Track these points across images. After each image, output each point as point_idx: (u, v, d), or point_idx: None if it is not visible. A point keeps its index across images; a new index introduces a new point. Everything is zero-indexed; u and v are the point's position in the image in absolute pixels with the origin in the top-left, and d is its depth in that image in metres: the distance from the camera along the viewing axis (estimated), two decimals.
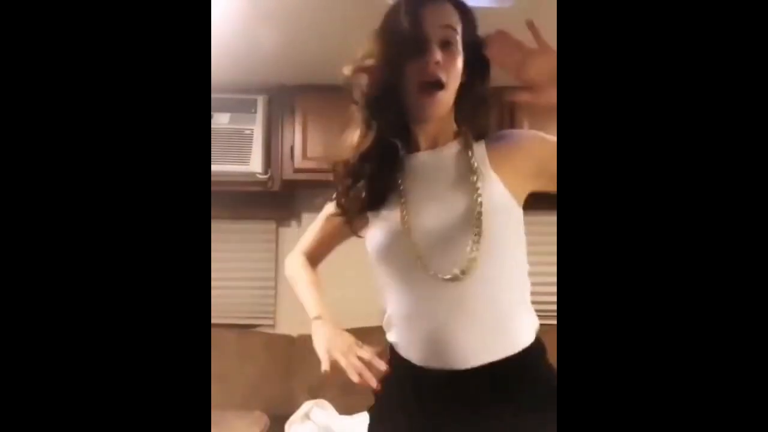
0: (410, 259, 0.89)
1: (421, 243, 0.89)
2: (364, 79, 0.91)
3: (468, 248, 0.86)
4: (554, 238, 0.72)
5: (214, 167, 2.31)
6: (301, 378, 2.44)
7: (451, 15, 0.90)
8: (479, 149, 0.94)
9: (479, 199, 0.88)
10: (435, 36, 0.88)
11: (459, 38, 0.90)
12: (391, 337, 0.97)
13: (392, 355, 0.95)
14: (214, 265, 0.73)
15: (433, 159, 0.95)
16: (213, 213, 0.73)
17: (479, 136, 0.96)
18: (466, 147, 0.94)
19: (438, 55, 0.86)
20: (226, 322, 2.62)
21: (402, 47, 0.87)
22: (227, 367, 2.42)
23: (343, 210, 0.98)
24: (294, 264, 1.14)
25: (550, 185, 0.83)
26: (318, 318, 1.03)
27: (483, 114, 0.98)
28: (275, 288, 2.75)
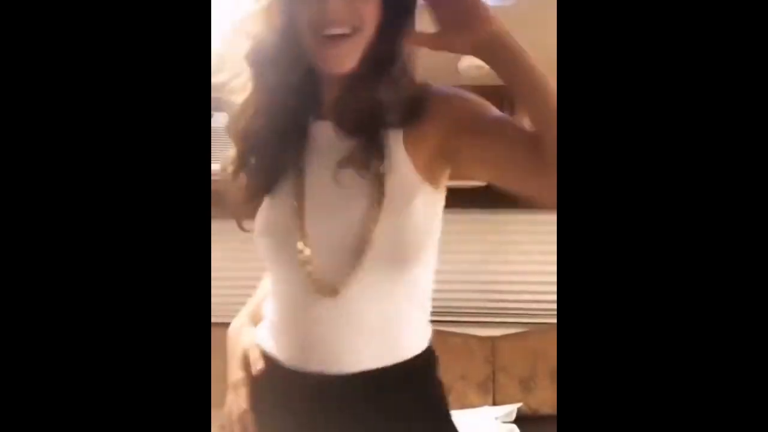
0: (296, 262, 0.79)
1: (312, 243, 0.78)
2: (254, 27, 0.78)
3: (360, 255, 0.76)
4: (554, 238, 0.71)
5: (214, 167, 2.31)
6: None
7: None
8: (394, 137, 0.79)
9: (382, 192, 0.76)
10: None
11: None
12: (262, 333, 0.90)
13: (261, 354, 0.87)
14: (214, 265, 0.73)
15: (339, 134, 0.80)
16: (213, 213, 0.73)
17: (394, 105, 0.79)
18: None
19: (335, 1, 0.71)
20: (226, 322, 2.62)
21: None
22: (227, 367, 2.43)
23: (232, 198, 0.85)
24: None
25: (470, 146, 0.76)
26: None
27: (396, 77, 0.79)
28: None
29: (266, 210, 0.85)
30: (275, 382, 0.85)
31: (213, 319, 0.68)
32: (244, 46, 0.79)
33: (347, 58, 0.75)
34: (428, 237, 0.82)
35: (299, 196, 0.81)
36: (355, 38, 0.75)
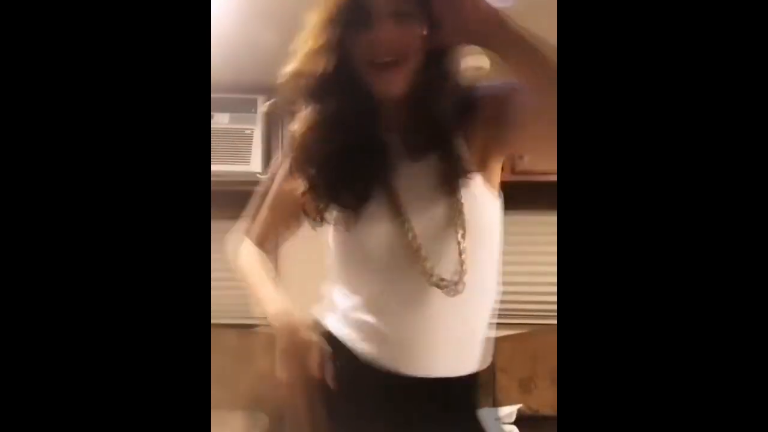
0: (407, 262, 0.84)
1: (418, 244, 0.84)
2: (305, 73, 0.84)
3: (457, 255, 0.83)
4: (554, 238, 0.71)
5: (214, 167, 2.32)
6: None
7: None
8: (457, 145, 0.86)
9: (461, 200, 0.84)
10: (383, 8, 0.79)
11: (416, 8, 0.80)
12: (339, 325, 0.93)
13: (332, 344, 0.91)
14: (214, 265, 0.73)
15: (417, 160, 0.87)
16: (213, 213, 0.73)
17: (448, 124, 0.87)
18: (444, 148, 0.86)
19: (385, 31, 0.79)
20: (226, 322, 2.62)
21: (347, 23, 0.80)
22: (227, 367, 2.42)
23: (311, 189, 0.88)
24: (244, 254, 1.03)
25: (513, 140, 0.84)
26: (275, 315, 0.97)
27: (442, 98, 0.86)
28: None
29: (363, 224, 0.88)
30: (344, 375, 0.88)
31: (213, 320, 0.68)
32: (300, 84, 0.86)
33: (397, 83, 0.82)
34: (499, 225, 0.89)
35: (395, 204, 0.86)
36: (402, 66, 0.82)
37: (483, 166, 0.88)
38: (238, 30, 1.95)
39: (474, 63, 2.23)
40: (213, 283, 0.72)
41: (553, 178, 0.64)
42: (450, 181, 0.84)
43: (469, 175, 0.85)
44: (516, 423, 2.38)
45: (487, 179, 0.88)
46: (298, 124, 0.89)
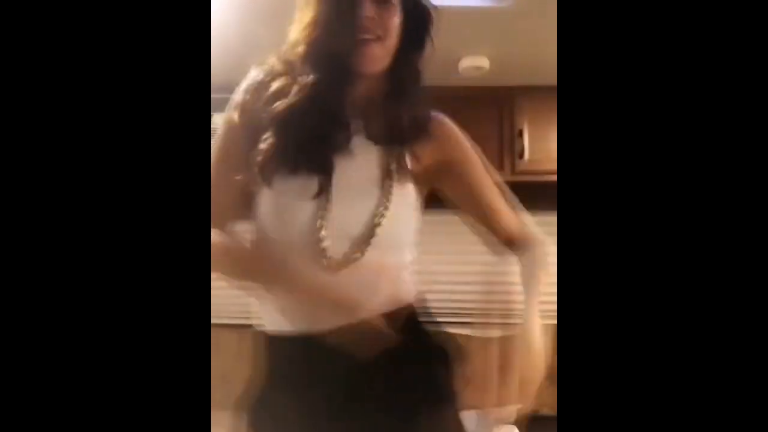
0: (314, 249, 0.89)
1: (329, 227, 0.89)
2: (302, 47, 0.92)
3: (364, 246, 0.89)
4: (554, 238, 0.72)
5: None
6: None
7: None
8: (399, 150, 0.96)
9: (386, 205, 0.91)
10: None
11: None
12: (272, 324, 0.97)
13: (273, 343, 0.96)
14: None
15: (362, 149, 0.94)
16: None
17: (405, 125, 0.96)
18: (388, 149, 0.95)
19: (369, 10, 0.88)
20: (226, 322, 2.62)
21: (333, 4, 0.89)
22: (227, 367, 2.42)
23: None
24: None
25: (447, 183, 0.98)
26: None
27: (411, 90, 0.97)
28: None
29: (288, 191, 0.92)
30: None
31: (213, 320, 0.68)
32: (299, 51, 0.93)
33: (376, 59, 0.91)
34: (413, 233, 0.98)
35: (326, 185, 0.91)
36: (382, 44, 0.91)
37: (421, 181, 0.97)
38: (238, 30, 1.95)
39: (473, 63, 2.23)
40: (213, 283, 0.72)
41: (553, 178, 0.64)
42: (385, 179, 0.93)
43: (403, 183, 0.93)
44: (516, 423, 2.37)
45: (420, 193, 0.97)
46: (280, 87, 0.94)
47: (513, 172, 2.25)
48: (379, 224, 0.90)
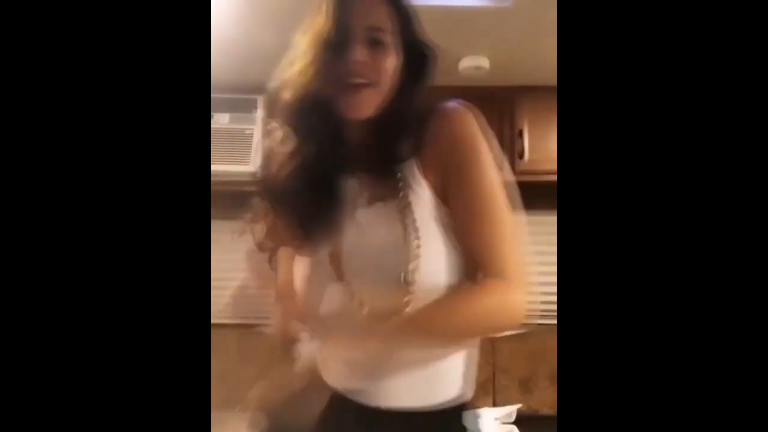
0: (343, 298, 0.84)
1: (353, 281, 0.84)
2: (288, 91, 0.88)
3: (402, 281, 0.81)
4: (554, 238, 0.71)
5: (214, 167, 2.31)
6: None
7: (380, 15, 0.86)
8: (409, 167, 0.87)
9: (414, 224, 0.83)
10: (359, 35, 0.84)
11: (392, 38, 0.86)
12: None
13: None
14: (214, 265, 0.73)
15: (370, 187, 0.87)
16: (213, 213, 0.73)
17: (412, 151, 0.87)
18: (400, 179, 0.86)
19: (360, 54, 0.83)
20: (226, 322, 2.62)
21: (324, 48, 0.84)
22: (227, 367, 2.43)
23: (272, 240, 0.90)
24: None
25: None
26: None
27: (415, 124, 0.88)
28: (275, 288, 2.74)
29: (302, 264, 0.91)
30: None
31: (213, 320, 0.68)
32: (283, 100, 0.88)
33: (365, 105, 0.85)
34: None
35: (336, 243, 0.87)
36: (374, 89, 0.85)
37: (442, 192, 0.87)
38: (238, 30, 1.95)
39: (473, 63, 2.23)
40: (213, 283, 0.72)
41: (553, 178, 0.64)
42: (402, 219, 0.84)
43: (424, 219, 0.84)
44: (516, 423, 2.38)
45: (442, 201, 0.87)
46: (272, 143, 0.91)
47: (513, 172, 2.26)
48: (415, 270, 0.81)
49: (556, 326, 0.62)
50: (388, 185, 0.86)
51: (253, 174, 0.94)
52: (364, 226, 0.86)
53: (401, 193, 0.85)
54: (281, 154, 0.89)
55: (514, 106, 2.53)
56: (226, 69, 2.05)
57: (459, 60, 2.25)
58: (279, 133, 0.90)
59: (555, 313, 0.67)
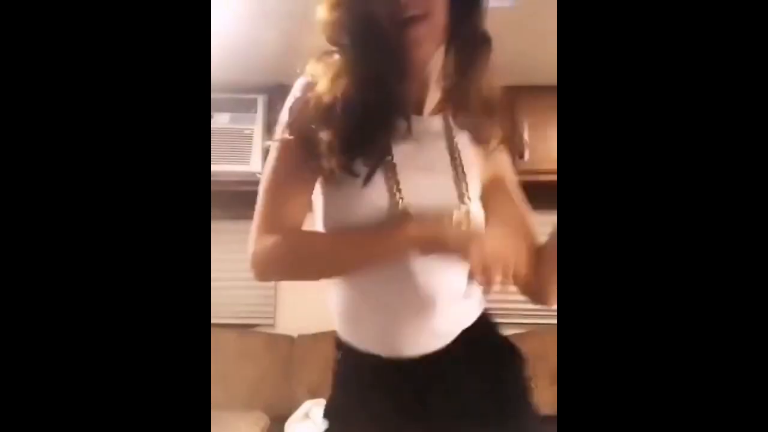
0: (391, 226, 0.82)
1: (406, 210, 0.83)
2: (340, 18, 0.83)
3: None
4: (554, 239, 0.72)
5: (214, 167, 2.32)
6: (301, 378, 2.44)
7: None
8: (462, 137, 0.91)
9: (465, 190, 0.87)
10: None
11: None
12: (346, 334, 0.91)
13: (346, 354, 0.91)
14: (214, 265, 0.73)
15: (422, 132, 0.87)
16: (213, 213, 0.73)
17: (469, 103, 0.89)
18: (448, 130, 0.90)
19: None
20: (226, 322, 2.62)
21: None
22: (227, 367, 2.43)
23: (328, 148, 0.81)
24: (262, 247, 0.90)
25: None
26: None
27: (477, 70, 0.88)
28: (275, 288, 2.75)
29: (356, 193, 0.85)
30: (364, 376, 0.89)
31: (213, 320, 0.68)
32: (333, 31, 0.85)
33: (423, 41, 0.81)
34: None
35: (392, 178, 0.85)
36: (429, 21, 0.80)
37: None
38: (238, 30, 1.95)
39: None
40: (213, 283, 0.72)
41: (553, 178, 0.64)
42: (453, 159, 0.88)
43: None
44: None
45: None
46: (324, 76, 0.85)
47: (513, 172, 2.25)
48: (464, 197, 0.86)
49: (556, 326, 0.62)
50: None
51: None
52: (417, 138, 0.86)
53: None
54: (337, 79, 0.84)
55: (514, 106, 2.53)
56: (226, 69, 2.05)
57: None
58: (342, 60, 0.85)
59: (555, 313, 0.67)
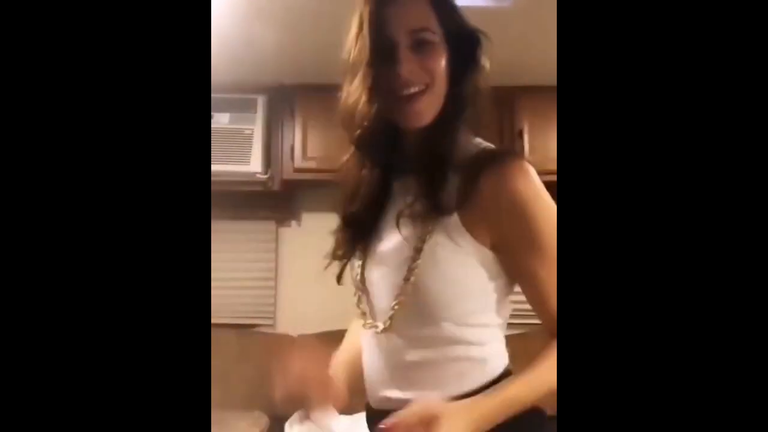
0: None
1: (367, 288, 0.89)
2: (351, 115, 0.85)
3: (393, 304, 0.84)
4: None
5: (214, 167, 2.32)
6: None
7: (421, 14, 0.81)
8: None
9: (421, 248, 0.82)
10: (404, 41, 0.80)
11: (438, 35, 0.82)
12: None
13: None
14: (214, 265, 0.73)
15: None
16: (213, 213, 0.73)
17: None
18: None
19: (408, 62, 0.79)
20: (226, 322, 2.62)
21: (371, 64, 0.81)
22: (227, 367, 2.43)
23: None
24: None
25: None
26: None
27: (474, 115, 0.87)
28: (275, 288, 2.75)
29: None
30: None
31: (213, 320, 0.68)
32: (353, 132, 0.87)
33: (424, 112, 0.82)
34: (468, 294, 0.83)
35: (367, 248, 0.90)
36: (429, 93, 0.82)
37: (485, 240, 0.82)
38: (238, 30, 1.95)
39: None
40: (213, 283, 0.72)
41: (553, 178, 0.64)
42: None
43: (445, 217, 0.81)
44: None
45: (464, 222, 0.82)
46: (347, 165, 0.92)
47: None
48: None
49: (556, 326, 0.62)
50: (428, 199, 0.82)
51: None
52: (391, 237, 0.86)
53: (435, 220, 0.81)
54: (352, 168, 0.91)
55: (514, 106, 2.53)
56: (226, 69, 2.05)
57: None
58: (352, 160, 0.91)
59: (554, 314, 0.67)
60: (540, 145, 2.48)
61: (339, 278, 0.95)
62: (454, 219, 0.80)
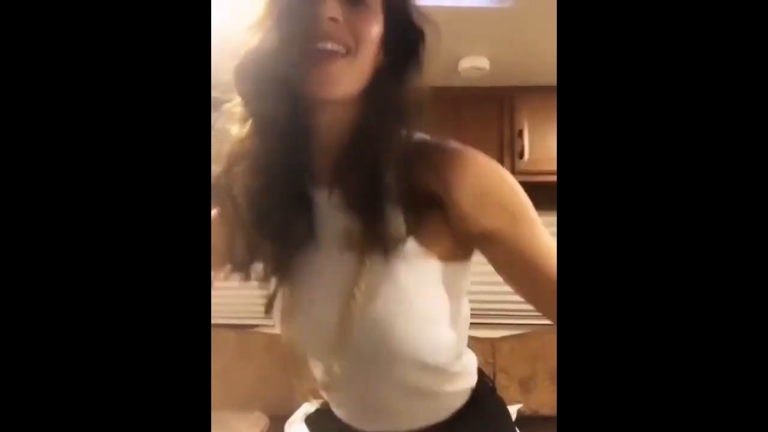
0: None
1: (298, 326, 0.82)
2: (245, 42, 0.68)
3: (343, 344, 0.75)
4: (554, 239, 0.72)
5: (214, 167, 2.31)
6: (301, 378, 2.44)
7: None
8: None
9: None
10: None
11: (377, 4, 0.67)
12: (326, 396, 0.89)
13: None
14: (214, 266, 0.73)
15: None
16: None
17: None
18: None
19: (333, 9, 0.64)
20: (226, 322, 2.62)
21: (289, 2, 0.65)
22: (227, 367, 2.43)
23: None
24: None
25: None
26: None
27: (402, 119, 0.68)
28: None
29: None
30: None
31: (213, 320, 0.68)
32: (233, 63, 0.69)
33: (337, 79, 0.65)
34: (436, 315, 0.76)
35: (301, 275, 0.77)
36: (348, 60, 0.66)
37: (419, 229, 0.70)
38: (239, 30, 1.95)
39: (473, 63, 2.23)
40: (213, 283, 0.73)
41: (553, 178, 0.64)
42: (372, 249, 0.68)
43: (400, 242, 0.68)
44: (516, 423, 2.38)
45: (423, 243, 0.71)
46: (234, 126, 0.73)
47: (513, 172, 2.26)
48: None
49: (555, 327, 0.62)
50: (372, 232, 0.67)
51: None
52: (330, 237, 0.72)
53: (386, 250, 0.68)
54: (239, 143, 0.71)
55: (514, 106, 2.54)
56: (226, 69, 2.05)
57: (459, 60, 2.25)
58: (238, 111, 0.71)
59: (554, 314, 0.67)
60: (540, 145, 2.48)
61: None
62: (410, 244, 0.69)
